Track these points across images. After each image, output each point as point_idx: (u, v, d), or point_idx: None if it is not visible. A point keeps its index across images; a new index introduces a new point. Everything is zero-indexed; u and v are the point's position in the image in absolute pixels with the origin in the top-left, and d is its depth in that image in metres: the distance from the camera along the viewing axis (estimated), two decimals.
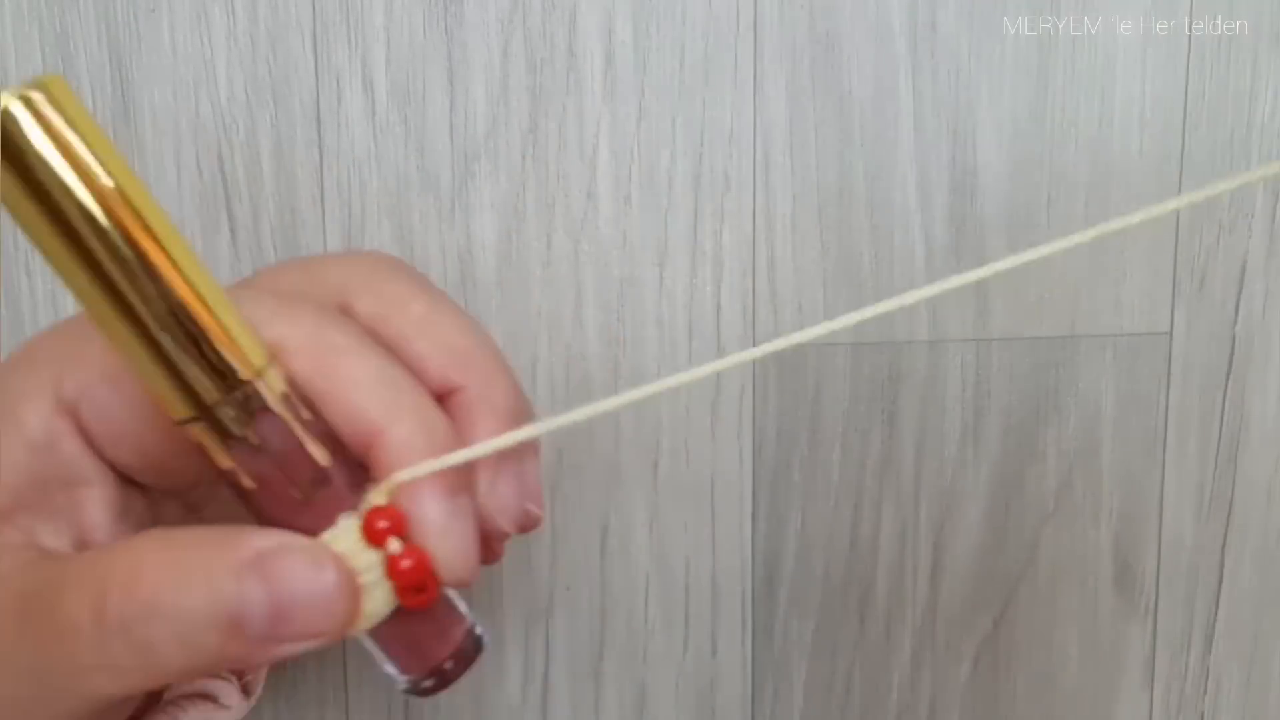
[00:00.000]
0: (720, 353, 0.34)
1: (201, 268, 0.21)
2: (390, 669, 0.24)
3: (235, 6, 0.32)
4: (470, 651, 0.24)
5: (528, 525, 0.25)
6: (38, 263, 0.33)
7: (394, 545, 0.22)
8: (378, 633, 0.23)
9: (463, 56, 0.32)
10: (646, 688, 0.35)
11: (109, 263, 0.19)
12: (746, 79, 0.33)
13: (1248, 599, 0.37)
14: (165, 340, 0.20)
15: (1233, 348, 0.35)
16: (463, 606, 0.24)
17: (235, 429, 0.21)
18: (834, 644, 0.36)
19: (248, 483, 0.22)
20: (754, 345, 0.34)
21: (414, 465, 0.22)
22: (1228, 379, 0.36)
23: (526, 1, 0.32)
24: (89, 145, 0.19)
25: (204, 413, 0.21)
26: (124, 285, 0.20)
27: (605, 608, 0.35)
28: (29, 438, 0.22)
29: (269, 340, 0.22)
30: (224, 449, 0.21)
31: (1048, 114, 0.34)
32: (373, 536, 0.22)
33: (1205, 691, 0.37)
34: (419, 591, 0.22)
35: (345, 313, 0.24)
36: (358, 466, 0.23)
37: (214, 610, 0.20)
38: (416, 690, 0.24)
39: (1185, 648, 0.37)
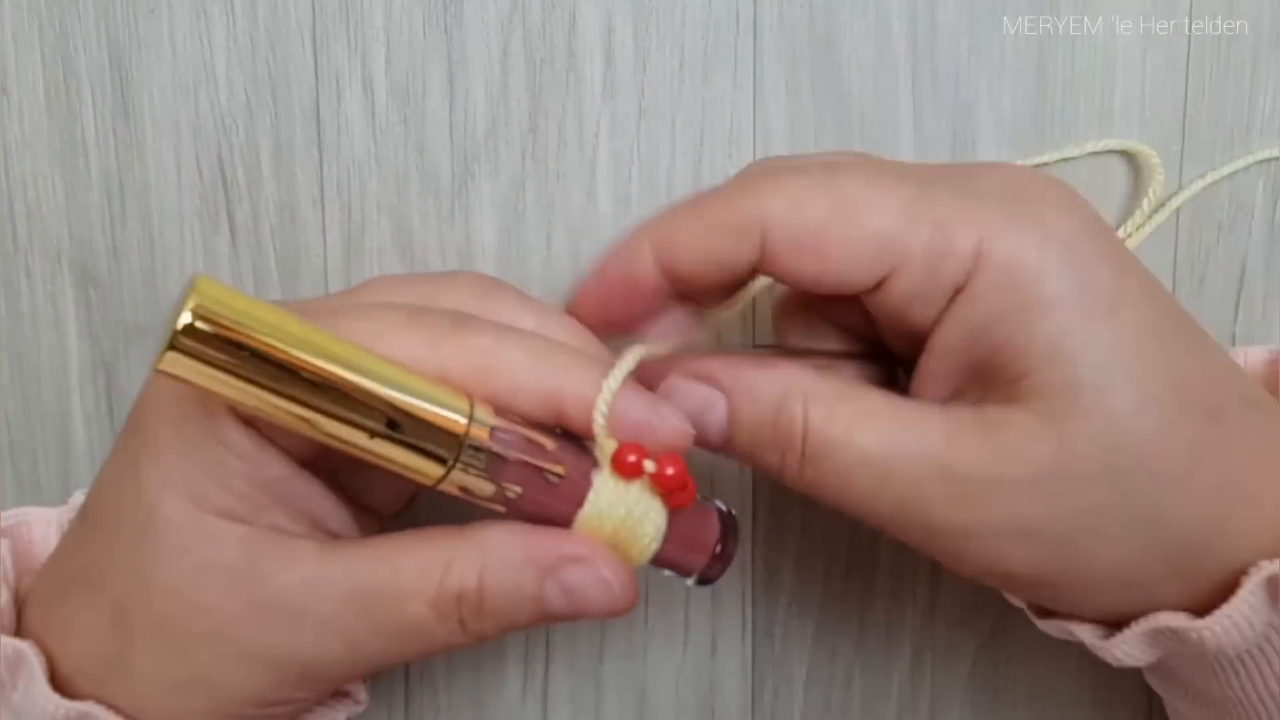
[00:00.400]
0: None
1: (389, 366, 0.23)
2: (680, 575, 0.27)
3: (235, 7, 0.32)
4: (730, 524, 0.28)
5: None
6: (38, 263, 0.33)
7: (649, 465, 0.25)
8: (659, 556, 0.26)
9: (462, 56, 0.32)
10: (646, 688, 0.35)
11: (333, 407, 0.23)
12: (746, 79, 0.33)
13: None
14: (396, 438, 0.23)
15: (1233, 347, 0.35)
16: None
17: (478, 471, 0.24)
18: (834, 644, 0.36)
19: (512, 495, 0.25)
20: (753, 344, 0.34)
21: (601, 397, 0.25)
22: None
23: (526, 1, 0.32)
24: (261, 333, 0.22)
25: (447, 472, 0.24)
26: (347, 416, 0.23)
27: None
28: (239, 451, 0.24)
29: (445, 371, 0.24)
30: (481, 485, 0.24)
31: (1047, 114, 0.34)
32: (628, 470, 0.25)
33: None
34: (683, 489, 0.25)
35: None
36: (568, 435, 0.26)
37: (528, 609, 0.25)
38: (710, 579, 0.28)
39: None
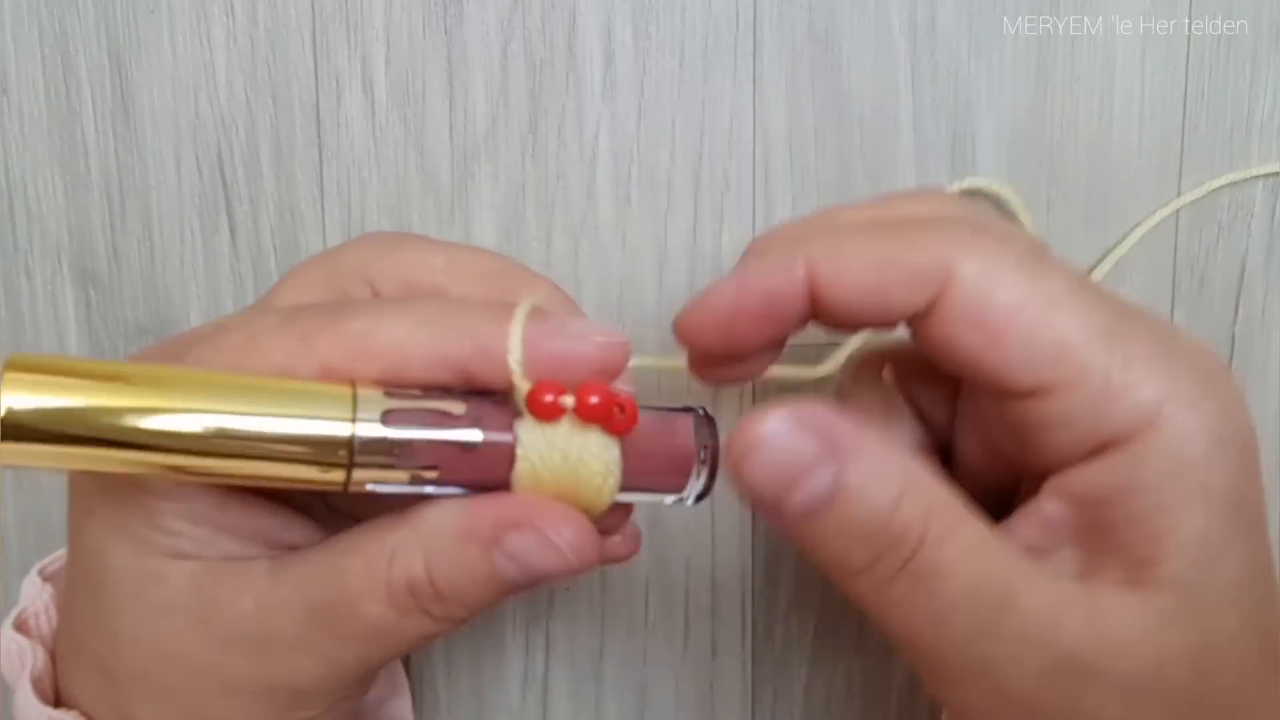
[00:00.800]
0: None
1: (249, 383, 0.22)
2: (668, 499, 0.25)
3: (235, 7, 0.32)
4: (706, 428, 0.25)
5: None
6: (37, 263, 0.33)
7: (567, 400, 0.22)
8: (629, 487, 0.24)
9: (462, 57, 0.32)
10: (646, 688, 0.35)
11: (188, 454, 0.21)
12: (746, 79, 0.33)
13: None
14: (275, 457, 0.21)
15: (1232, 347, 0.35)
16: (662, 405, 0.25)
17: (382, 463, 0.22)
18: (834, 644, 0.36)
19: (430, 476, 0.23)
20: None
21: (508, 343, 0.23)
22: None
23: (526, 1, 0.32)
24: (76, 392, 0.20)
25: (349, 476, 0.22)
26: (209, 452, 0.21)
27: (605, 608, 0.35)
28: (163, 489, 0.23)
29: (326, 365, 0.23)
30: (393, 476, 0.22)
31: (1047, 114, 0.34)
32: (546, 412, 0.22)
33: None
34: (618, 414, 0.23)
35: (375, 293, 0.26)
36: (487, 394, 0.23)
37: (485, 584, 0.23)
38: (701, 495, 0.25)
39: None
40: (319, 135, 0.32)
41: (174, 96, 0.32)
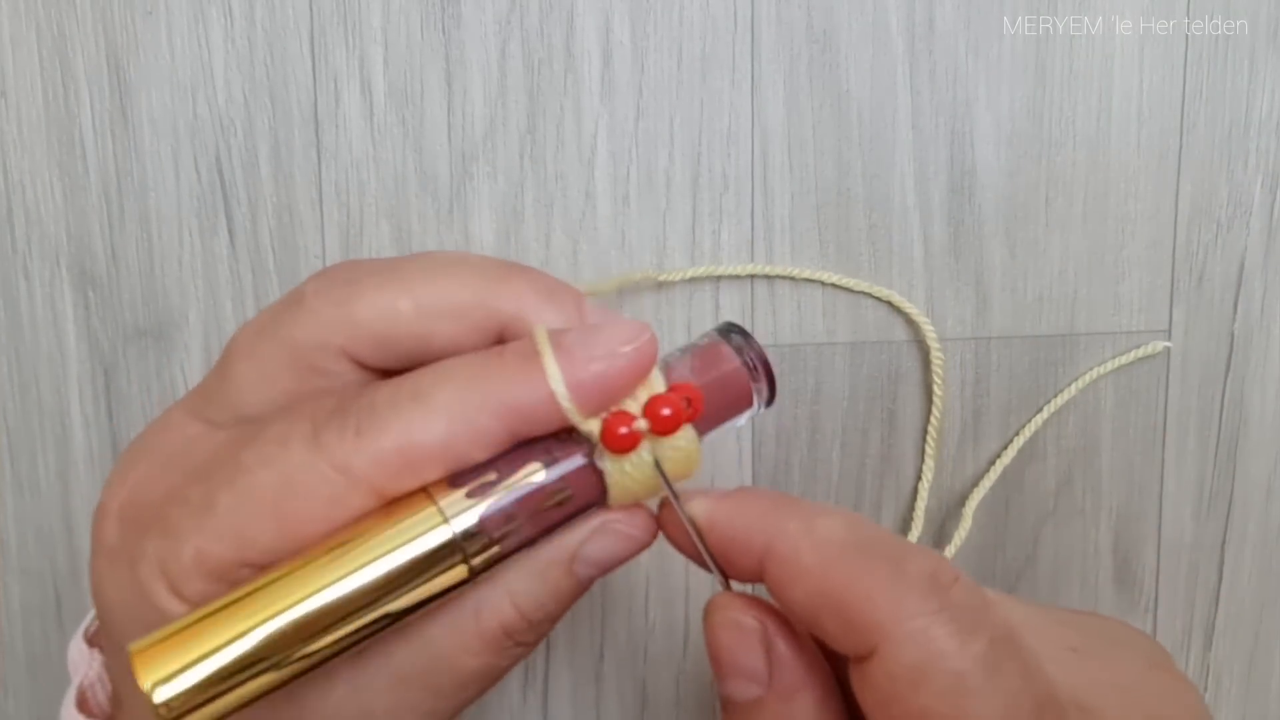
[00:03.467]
0: None
1: (361, 552, 0.21)
2: (743, 419, 0.25)
3: (233, 9, 0.32)
4: (744, 342, 0.25)
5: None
6: (36, 265, 0.33)
7: (641, 425, 0.22)
8: (707, 433, 0.24)
9: (460, 58, 0.32)
10: (646, 688, 0.35)
11: (324, 636, 0.21)
12: (744, 79, 0.33)
13: (1248, 596, 0.37)
14: (406, 594, 0.21)
15: (1231, 345, 0.35)
16: (692, 343, 0.25)
17: (492, 541, 0.22)
18: None
19: (534, 533, 0.23)
20: None
21: (553, 380, 0.22)
22: (1226, 376, 0.36)
23: (524, 2, 0.32)
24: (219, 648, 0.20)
25: (472, 571, 0.22)
26: (348, 626, 0.21)
27: (605, 608, 0.35)
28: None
29: (376, 489, 0.22)
30: (505, 546, 0.22)
31: (1046, 113, 0.34)
32: (623, 445, 0.22)
33: (1206, 688, 0.37)
34: (689, 405, 0.23)
35: (353, 361, 0.25)
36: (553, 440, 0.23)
37: (572, 595, 0.24)
38: (770, 399, 0.25)
39: (1185, 645, 0.37)
40: (317, 136, 0.32)
41: (172, 98, 0.32)
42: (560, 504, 0.23)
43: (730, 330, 0.25)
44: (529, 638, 0.24)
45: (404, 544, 0.21)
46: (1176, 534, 0.36)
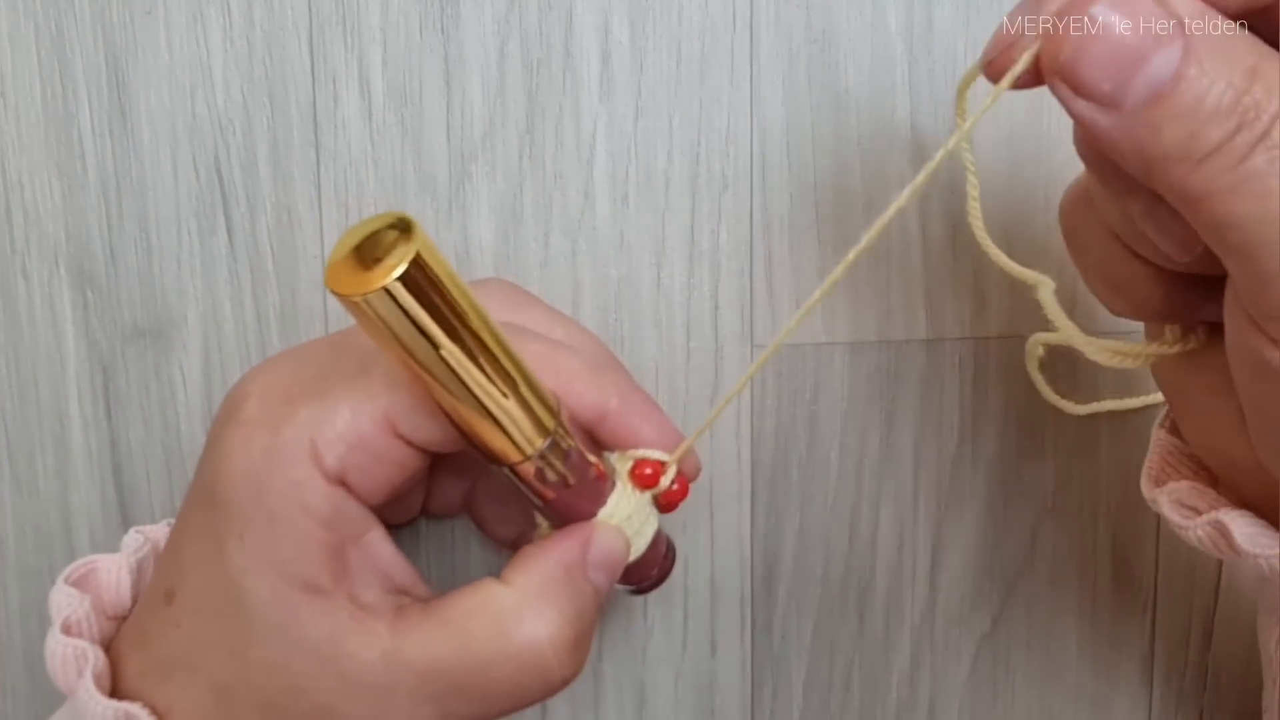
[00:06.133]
0: (718, 352, 0.34)
1: (516, 350, 0.25)
2: (627, 587, 0.31)
3: (231, 8, 0.32)
4: (670, 545, 0.32)
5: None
6: (35, 265, 0.33)
7: (665, 481, 0.28)
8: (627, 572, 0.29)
9: (459, 57, 0.32)
10: (646, 687, 0.35)
11: (477, 373, 0.24)
12: (743, 78, 0.33)
13: (1246, 595, 0.37)
14: (512, 411, 0.25)
15: None
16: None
17: (554, 465, 0.26)
18: (833, 643, 0.36)
19: (550, 494, 0.26)
20: (752, 344, 0.34)
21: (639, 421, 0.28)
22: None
23: (523, 2, 0.32)
24: (448, 295, 0.23)
25: (546, 447, 0.26)
26: (486, 384, 0.24)
27: (605, 608, 0.35)
28: (321, 517, 0.25)
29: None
30: (555, 467, 0.26)
31: (1044, 112, 0.34)
32: (646, 482, 0.28)
33: (1205, 687, 0.37)
34: (680, 497, 0.29)
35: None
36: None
37: (594, 605, 0.27)
38: (646, 589, 0.31)
39: (1184, 644, 0.37)
40: (316, 136, 0.32)
41: (171, 98, 0.32)
42: (589, 477, 0.27)
43: (667, 538, 0.31)
44: (567, 658, 0.26)
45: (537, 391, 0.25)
46: (1175, 533, 0.36)
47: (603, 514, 0.28)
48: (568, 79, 0.33)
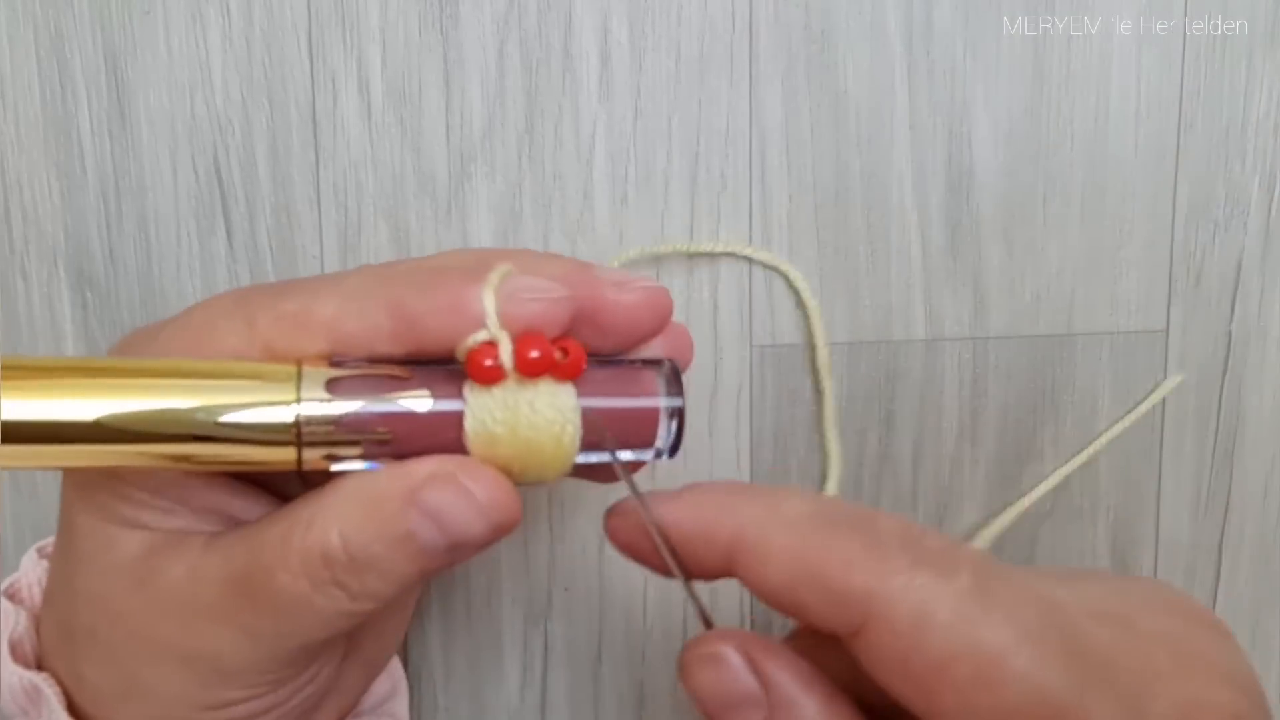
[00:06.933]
0: (718, 352, 0.34)
1: (192, 369, 0.22)
2: (645, 455, 0.24)
3: (230, 8, 0.32)
4: (671, 376, 0.24)
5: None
6: (34, 265, 0.33)
7: (505, 359, 0.21)
8: (594, 442, 0.23)
9: (458, 57, 0.32)
10: (645, 688, 0.35)
11: (144, 442, 0.21)
12: (742, 78, 0.33)
13: (1245, 596, 0.37)
14: (228, 444, 0.21)
15: (1229, 345, 0.35)
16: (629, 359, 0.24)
17: (332, 436, 0.22)
18: None
19: (384, 439, 0.22)
20: (751, 345, 0.34)
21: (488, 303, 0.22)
22: (1224, 376, 0.36)
23: (522, 2, 0.32)
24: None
25: (301, 450, 0.22)
26: (166, 446, 0.21)
27: (604, 608, 0.35)
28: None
29: (269, 346, 0.23)
30: (345, 449, 0.22)
31: (1044, 113, 0.34)
32: (486, 376, 0.21)
33: None
34: (565, 356, 0.22)
35: None
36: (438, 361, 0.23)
37: (402, 550, 0.22)
38: (673, 449, 0.24)
39: None
40: (315, 136, 0.32)
41: (170, 98, 0.32)
42: (414, 419, 0.22)
43: (669, 368, 0.24)
44: (352, 583, 0.23)
45: (250, 381, 0.21)
46: (1174, 534, 0.36)
47: (469, 434, 0.22)
48: (567, 79, 0.33)
